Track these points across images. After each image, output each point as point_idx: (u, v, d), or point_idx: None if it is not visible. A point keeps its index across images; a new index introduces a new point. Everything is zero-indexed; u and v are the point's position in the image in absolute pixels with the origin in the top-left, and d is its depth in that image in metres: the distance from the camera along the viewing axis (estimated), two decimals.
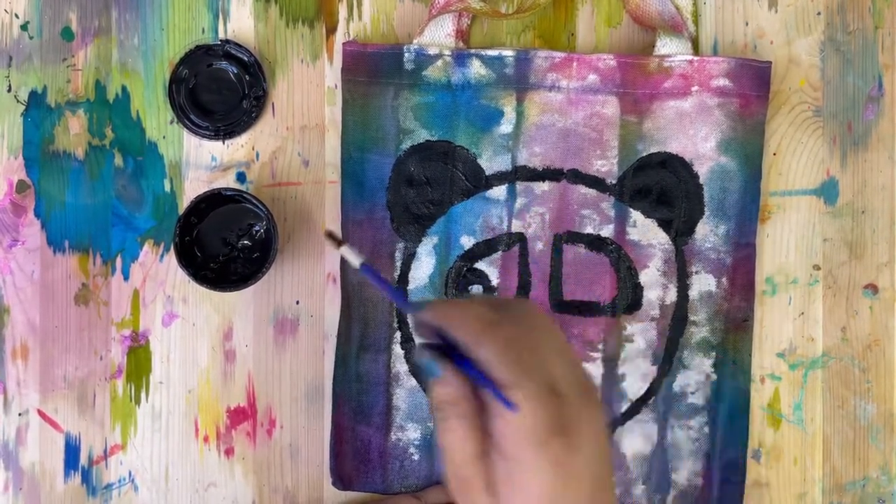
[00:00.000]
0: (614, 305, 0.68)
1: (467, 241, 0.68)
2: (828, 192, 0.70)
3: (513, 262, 0.68)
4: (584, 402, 0.40)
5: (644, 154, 0.68)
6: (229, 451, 0.69)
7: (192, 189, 0.69)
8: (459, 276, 0.68)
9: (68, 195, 0.69)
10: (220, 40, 0.69)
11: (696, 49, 0.69)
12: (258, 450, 0.69)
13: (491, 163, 0.68)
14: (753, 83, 0.67)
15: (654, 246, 0.68)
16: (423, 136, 0.68)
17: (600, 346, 0.68)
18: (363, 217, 0.68)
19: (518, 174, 0.68)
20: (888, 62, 0.70)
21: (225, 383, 0.69)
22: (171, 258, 0.68)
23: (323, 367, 0.69)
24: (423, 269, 0.68)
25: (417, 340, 0.39)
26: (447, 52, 0.67)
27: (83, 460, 0.69)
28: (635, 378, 0.68)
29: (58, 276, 0.69)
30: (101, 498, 0.69)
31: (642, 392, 0.68)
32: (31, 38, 0.69)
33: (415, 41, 0.68)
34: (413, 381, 0.68)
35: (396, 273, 0.68)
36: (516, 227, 0.68)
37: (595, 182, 0.68)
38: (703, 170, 0.67)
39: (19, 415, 0.69)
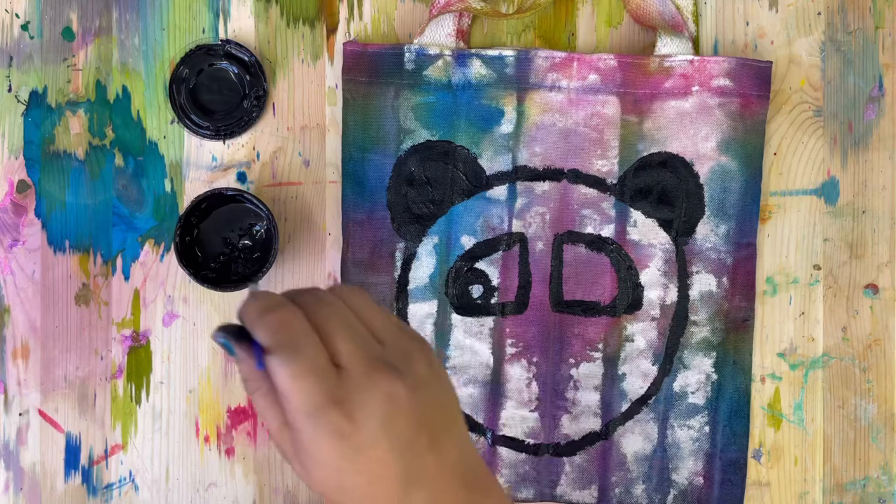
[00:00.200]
0: (615, 305, 0.68)
1: (468, 241, 0.68)
2: (828, 192, 0.70)
3: (513, 262, 0.68)
4: (368, 376, 0.43)
5: (644, 154, 0.68)
6: (230, 452, 0.69)
7: (192, 189, 0.69)
8: (460, 276, 0.68)
9: (69, 195, 0.69)
10: (221, 40, 0.69)
11: (696, 49, 0.69)
12: (259, 450, 0.69)
13: (491, 163, 0.68)
14: (754, 83, 0.67)
15: (655, 246, 0.68)
16: (423, 135, 0.68)
17: (600, 346, 0.68)
18: (363, 217, 0.68)
19: (518, 174, 0.68)
20: (889, 62, 0.70)
21: (225, 383, 0.69)
22: (172, 258, 0.68)
23: None
24: (424, 268, 0.68)
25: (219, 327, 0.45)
26: (448, 52, 0.67)
27: (84, 460, 0.69)
28: (635, 378, 0.68)
29: (58, 276, 0.69)
30: (102, 498, 0.69)
31: (643, 392, 0.68)
32: (31, 38, 0.69)
33: (415, 41, 0.68)
34: None
35: (397, 273, 0.68)
36: (517, 226, 0.68)
37: (595, 182, 0.68)
38: (703, 170, 0.67)
39: (20, 415, 0.69)
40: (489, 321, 0.68)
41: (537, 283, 0.68)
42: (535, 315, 0.68)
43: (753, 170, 0.68)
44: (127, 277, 0.69)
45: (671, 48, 0.67)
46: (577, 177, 0.68)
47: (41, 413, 0.69)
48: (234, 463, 0.69)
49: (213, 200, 0.66)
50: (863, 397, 0.70)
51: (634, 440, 0.68)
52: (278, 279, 0.69)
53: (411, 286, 0.68)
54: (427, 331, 0.68)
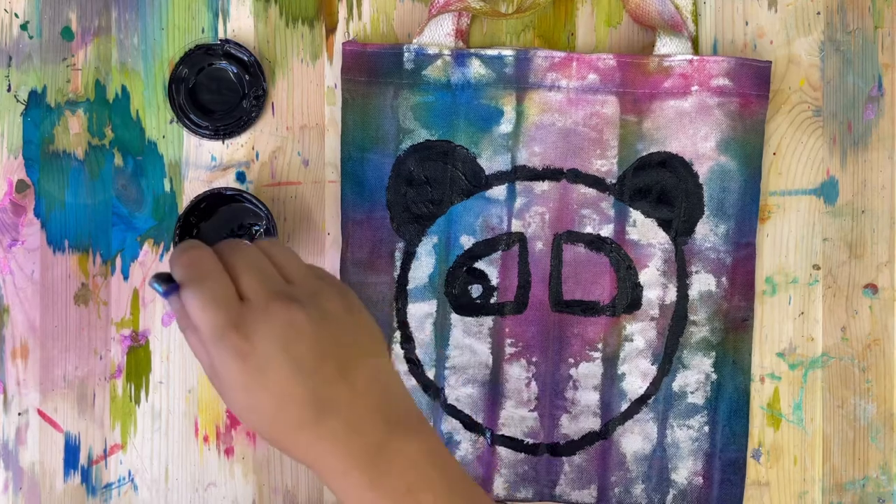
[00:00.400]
0: (614, 305, 0.68)
1: (467, 241, 0.68)
2: (828, 191, 0.70)
3: (513, 262, 0.68)
4: (267, 304, 0.47)
5: (644, 154, 0.68)
6: (229, 451, 0.69)
7: (191, 189, 0.69)
8: (459, 275, 0.68)
9: (68, 195, 0.69)
10: (220, 40, 0.69)
11: (695, 49, 0.69)
12: (258, 450, 0.69)
13: (491, 162, 0.68)
14: (753, 83, 0.67)
15: (654, 246, 0.68)
16: (422, 135, 0.68)
17: (600, 346, 0.68)
18: (363, 217, 0.68)
19: (518, 174, 0.68)
20: (888, 62, 0.70)
21: None
22: None
23: None
24: (423, 268, 0.68)
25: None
26: (447, 52, 0.67)
27: (83, 460, 0.69)
28: (635, 378, 0.68)
29: (58, 276, 0.69)
30: (101, 497, 0.69)
31: (642, 392, 0.68)
32: (30, 37, 0.69)
33: (414, 41, 0.68)
34: (413, 381, 0.68)
35: (396, 273, 0.68)
36: (516, 226, 0.68)
37: (595, 182, 0.68)
38: (702, 169, 0.67)
39: (19, 414, 0.69)
40: (488, 321, 0.68)
41: (537, 283, 0.68)
42: (535, 315, 0.68)
43: (753, 169, 0.68)
44: (126, 277, 0.69)
45: (670, 48, 0.67)
46: (577, 176, 0.68)
47: (40, 413, 0.69)
48: (233, 463, 0.69)
49: (213, 200, 0.66)
50: (862, 397, 0.70)
51: (634, 440, 0.68)
52: None
53: (411, 286, 0.68)
54: (426, 330, 0.68)
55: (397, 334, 0.68)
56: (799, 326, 0.70)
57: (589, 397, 0.68)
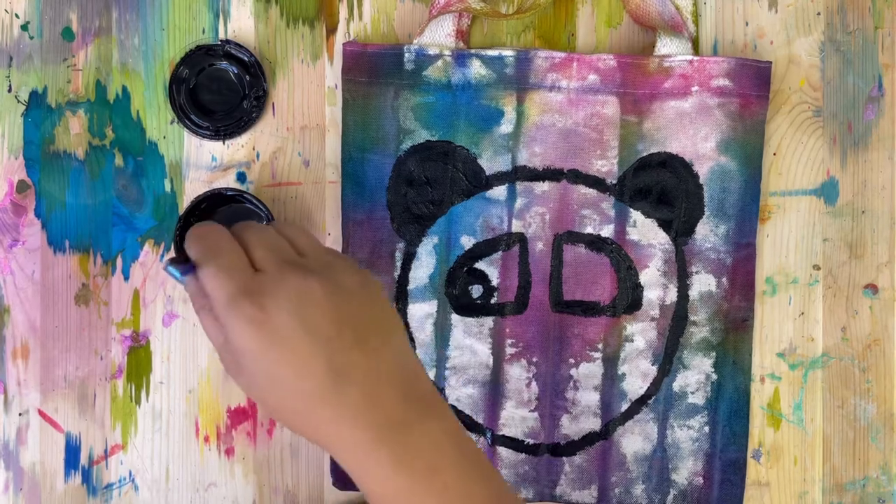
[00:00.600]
0: (614, 305, 0.68)
1: (467, 241, 0.68)
2: (828, 192, 0.70)
3: (513, 262, 0.68)
4: (281, 273, 0.48)
5: (644, 154, 0.68)
6: (230, 451, 0.69)
7: (192, 189, 0.69)
8: (459, 276, 0.68)
9: (69, 195, 0.69)
10: (221, 40, 0.69)
11: (696, 49, 0.69)
12: (258, 450, 0.69)
13: (491, 163, 0.68)
14: (753, 83, 0.67)
15: (654, 246, 0.68)
16: (423, 136, 0.68)
17: (600, 346, 0.68)
18: (363, 217, 0.68)
19: (518, 174, 0.68)
20: (888, 62, 0.70)
21: (225, 383, 0.69)
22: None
23: None
24: (424, 269, 0.68)
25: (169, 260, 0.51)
26: (447, 53, 0.67)
27: (83, 460, 0.69)
28: (635, 378, 0.68)
29: (58, 276, 0.69)
30: (102, 498, 0.69)
31: (642, 392, 0.68)
32: (31, 38, 0.69)
33: (415, 41, 0.68)
34: None
35: (396, 273, 0.68)
36: (516, 227, 0.68)
37: (595, 182, 0.68)
38: (703, 170, 0.67)
39: (20, 415, 0.69)
40: (489, 321, 0.68)
41: (537, 284, 0.68)
42: (535, 315, 0.68)
43: (753, 170, 0.68)
44: (127, 277, 0.69)
45: (671, 48, 0.67)
46: (577, 177, 0.68)
47: (41, 413, 0.69)
48: (233, 463, 0.69)
49: (213, 200, 0.66)
50: (862, 397, 0.70)
51: (634, 440, 0.68)
52: None
53: (411, 286, 0.68)
54: (427, 331, 0.68)
55: None
56: (799, 327, 0.70)
57: (589, 397, 0.68)
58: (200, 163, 0.69)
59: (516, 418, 0.68)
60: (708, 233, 0.68)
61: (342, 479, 0.68)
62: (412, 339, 0.68)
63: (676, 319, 0.68)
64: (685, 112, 0.67)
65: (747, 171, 0.68)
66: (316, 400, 0.47)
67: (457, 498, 0.47)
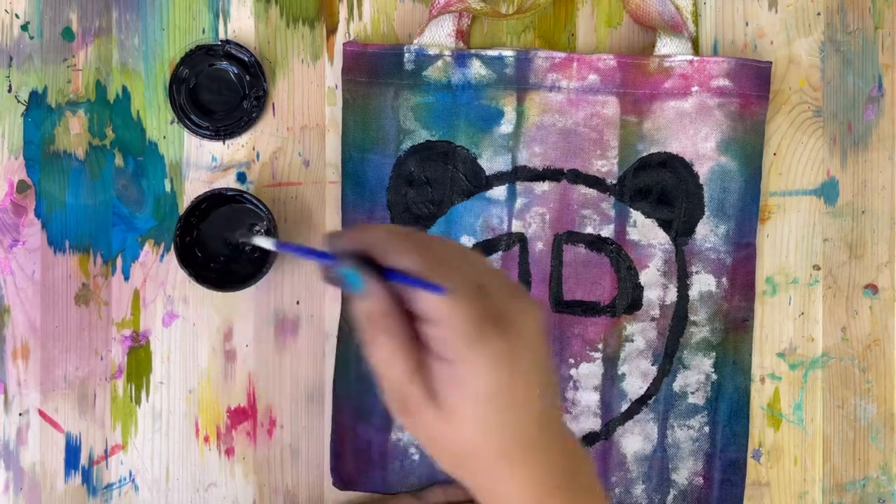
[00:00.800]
0: (614, 305, 0.68)
1: (467, 241, 0.68)
2: (828, 192, 0.70)
3: (513, 262, 0.68)
4: (514, 298, 0.40)
5: (644, 154, 0.68)
6: (230, 452, 0.69)
7: (192, 189, 0.69)
8: None
9: (69, 195, 0.69)
10: (221, 40, 0.69)
11: (696, 49, 0.69)
12: (258, 450, 0.69)
13: (491, 163, 0.68)
14: (753, 83, 0.67)
15: (655, 246, 0.68)
16: (423, 136, 0.68)
17: (600, 346, 0.68)
18: (363, 217, 0.68)
19: (518, 174, 0.68)
20: (888, 62, 0.70)
21: (225, 383, 0.69)
22: (172, 258, 0.68)
23: (323, 367, 0.69)
24: None
25: (329, 266, 0.41)
26: (447, 53, 0.67)
27: (84, 460, 0.69)
28: (635, 378, 0.68)
29: (58, 276, 0.69)
30: (102, 498, 0.69)
31: (642, 392, 0.68)
32: (31, 38, 0.69)
33: (415, 41, 0.68)
34: None
35: None
36: (516, 227, 0.68)
37: (595, 182, 0.68)
38: (703, 170, 0.67)
39: (20, 415, 0.69)
40: None
41: (537, 283, 0.68)
42: None
43: (753, 170, 0.68)
44: (127, 277, 0.69)
45: (671, 48, 0.67)
46: (577, 177, 0.68)
47: (41, 413, 0.69)
48: (233, 463, 0.69)
49: (213, 201, 0.66)
50: (862, 397, 0.70)
51: (634, 440, 0.68)
52: (278, 279, 0.69)
53: None
54: None
55: None
56: (799, 327, 0.70)
57: (589, 398, 0.68)
58: (200, 163, 0.69)
59: None
60: (708, 233, 0.68)
61: (342, 479, 0.68)
62: None
63: (676, 319, 0.68)
64: (685, 112, 0.67)
65: (747, 171, 0.68)
66: (525, 445, 0.41)
67: None
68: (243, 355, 0.69)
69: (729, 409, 0.68)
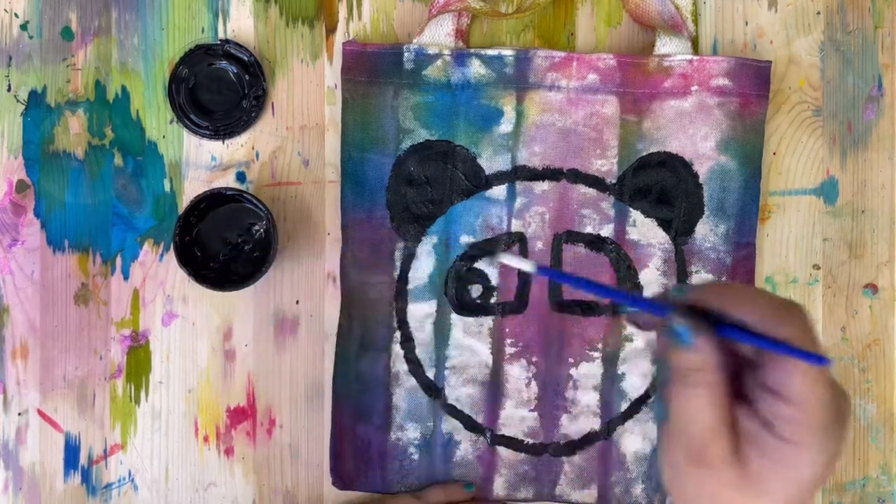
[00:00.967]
0: (614, 305, 0.68)
1: (467, 241, 0.68)
2: (828, 191, 0.70)
3: None
4: (847, 397, 0.40)
5: (644, 154, 0.68)
6: (229, 451, 0.69)
7: (191, 189, 0.69)
8: (459, 275, 0.68)
9: (68, 195, 0.69)
10: (220, 40, 0.69)
11: (695, 49, 0.69)
12: (258, 450, 0.69)
13: (491, 162, 0.68)
14: (753, 83, 0.67)
15: (654, 245, 0.68)
16: (422, 135, 0.68)
17: (600, 346, 0.68)
18: (363, 217, 0.68)
19: (518, 174, 0.68)
20: (888, 62, 0.70)
21: (225, 383, 0.69)
22: (171, 258, 0.68)
23: (323, 367, 0.69)
24: (423, 268, 0.68)
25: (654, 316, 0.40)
26: (447, 52, 0.67)
27: (83, 460, 0.69)
28: (635, 377, 0.68)
29: (58, 276, 0.69)
30: (101, 497, 0.69)
31: (642, 391, 0.68)
32: (30, 37, 0.69)
33: (415, 41, 0.68)
34: (413, 381, 0.68)
35: (396, 272, 0.68)
36: (516, 226, 0.68)
37: (595, 182, 0.68)
38: (702, 169, 0.67)
39: (19, 414, 0.69)
40: (488, 321, 0.68)
41: (536, 283, 0.68)
42: (535, 315, 0.68)
43: (753, 169, 0.68)
44: (126, 277, 0.69)
45: (670, 48, 0.67)
46: (577, 176, 0.68)
47: (40, 413, 0.69)
48: (233, 463, 0.69)
49: (213, 200, 0.66)
50: (862, 397, 0.70)
51: (634, 440, 0.68)
52: (278, 279, 0.69)
53: (411, 286, 0.68)
54: (426, 330, 0.68)
55: (397, 334, 0.68)
56: None
57: (589, 397, 0.68)
58: (200, 162, 0.69)
59: (516, 418, 0.68)
60: (707, 232, 0.68)
61: (342, 479, 0.68)
62: (412, 339, 0.68)
63: None
64: (685, 111, 0.67)
65: (747, 170, 0.68)
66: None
67: None
68: (243, 355, 0.69)
69: None
